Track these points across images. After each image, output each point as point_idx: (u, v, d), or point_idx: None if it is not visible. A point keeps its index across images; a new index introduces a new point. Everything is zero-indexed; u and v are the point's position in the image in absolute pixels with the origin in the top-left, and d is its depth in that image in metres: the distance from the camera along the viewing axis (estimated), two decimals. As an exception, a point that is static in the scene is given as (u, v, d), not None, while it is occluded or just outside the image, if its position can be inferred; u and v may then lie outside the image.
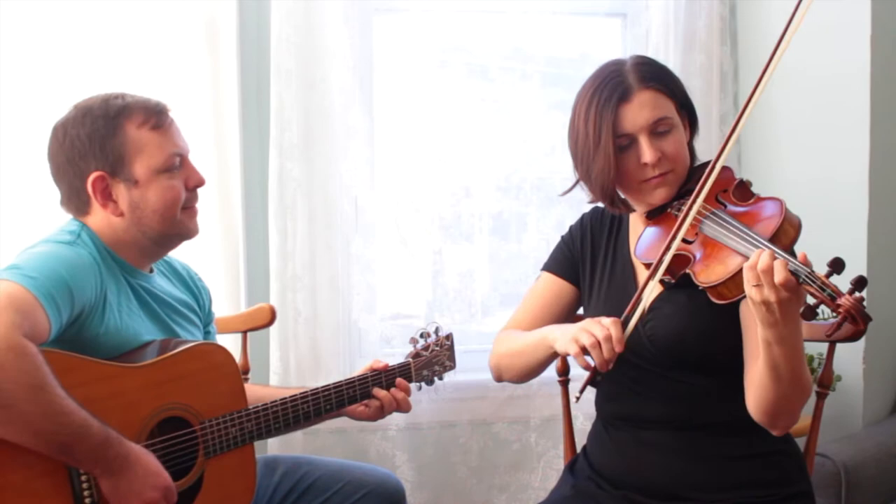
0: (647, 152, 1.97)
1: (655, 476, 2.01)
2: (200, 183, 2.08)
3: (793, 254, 1.80)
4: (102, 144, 1.94)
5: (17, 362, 1.61)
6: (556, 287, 2.23)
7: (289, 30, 2.97)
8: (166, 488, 1.82)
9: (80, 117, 1.96)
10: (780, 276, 1.61)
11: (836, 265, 1.60)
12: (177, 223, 2.03)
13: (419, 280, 3.26)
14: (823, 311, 2.69)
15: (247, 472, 2.06)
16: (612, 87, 1.99)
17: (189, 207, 2.06)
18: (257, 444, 2.11)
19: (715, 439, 1.98)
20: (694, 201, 1.90)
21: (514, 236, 3.29)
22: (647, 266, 1.97)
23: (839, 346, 2.25)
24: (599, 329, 1.86)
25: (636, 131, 1.98)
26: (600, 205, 2.22)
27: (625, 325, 1.89)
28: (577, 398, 1.95)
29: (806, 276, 1.61)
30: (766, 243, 1.72)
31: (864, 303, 1.58)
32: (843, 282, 1.60)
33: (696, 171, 2.06)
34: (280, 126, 2.98)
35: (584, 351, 1.87)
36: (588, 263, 2.19)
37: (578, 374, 2.82)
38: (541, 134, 3.21)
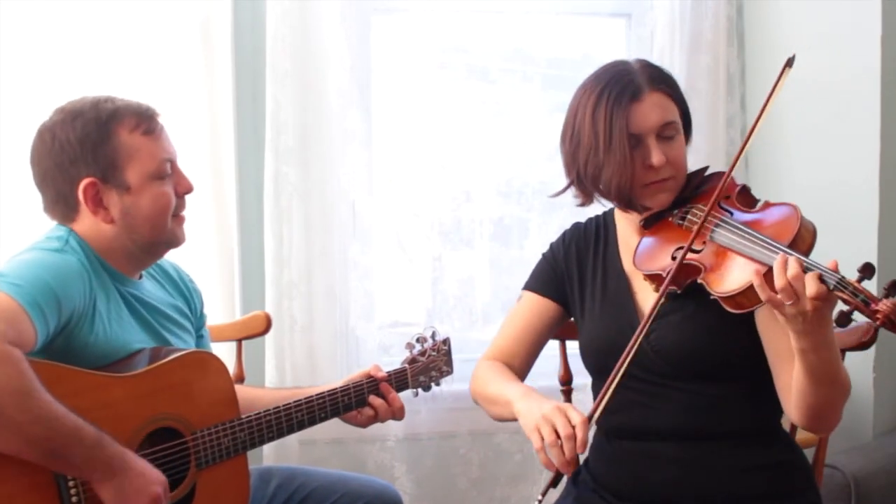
0: (655, 154, 1.91)
1: (661, 488, 1.96)
2: (189, 189, 2.06)
3: None
4: (94, 150, 1.91)
5: (1, 368, 1.59)
6: (539, 306, 2.17)
7: (284, 30, 2.93)
8: (163, 482, 1.81)
9: (69, 121, 1.92)
10: (811, 287, 1.58)
11: (867, 270, 1.58)
12: (167, 231, 2.01)
13: (418, 287, 3.23)
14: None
15: (240, 483, 2.04)
16: (622, 85, 1.93)
17: (178, 215, 2.04)
18: (251, 455, 2.08)
19: (724, 450, 1.93)
20: (710, 210, 1.86)
21: (516, 242, 3.26)
22: (650, 277, 1.92)
23: (849, 354, 2.19)
24: (563, 426, 1.75)
25: (645, 132, 1.92)
26: (581, 221, 2.20)
27: (590, 421, 1.79)
28: (539, 502, 1.82)
29: (837, 283, 1.58)
30: (786, 249, 1.68)
31: None
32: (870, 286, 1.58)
33: (691, 179, 2.03)
34: (276, 129, 2.95)
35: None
36: (576, 280, 2.13)
37: (581, 384, 2.79)
38: (542, 137, 3.17)
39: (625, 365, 1.83)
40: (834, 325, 1.64)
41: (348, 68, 3.01)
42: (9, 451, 1.64)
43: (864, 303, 1.55)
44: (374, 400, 2.19)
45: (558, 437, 1.74)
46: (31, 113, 2.74)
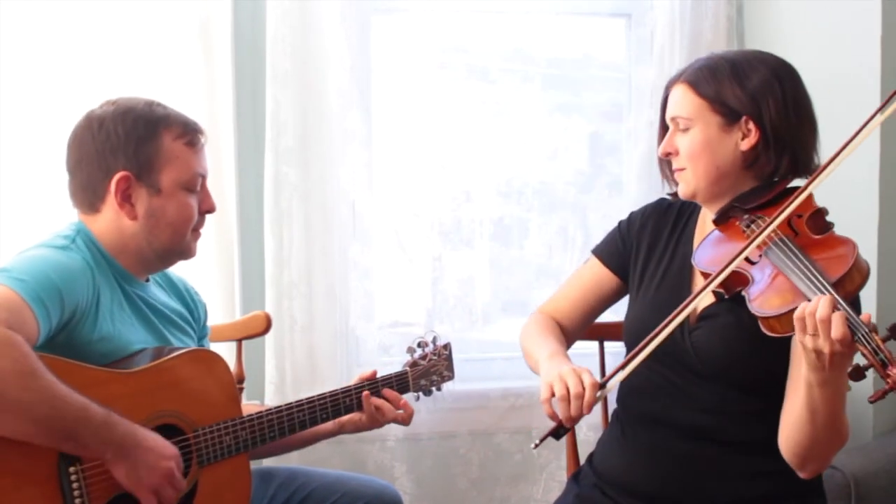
0: (663, 144, 2.04)
1: (668, 484, 1.97)
2: (212, 209, 2.12)
3: (855, 303, 1.75)
4: (137, 146, 1.97)
5: (3, 350, 1.61)
6: (599, 274, 2.19)
7: (284, 30, 2.92)
8: (175, 455, 1.85)
9: (120, 113, 1.98)
10: (837, 331, 1.57)
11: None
12: (184, 241, 2.06)
13: (418, 287, 3.21)
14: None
15: (241, 482, 2.05)
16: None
17: (196, 230, 2.09)
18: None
19: (735, 456, 1.94)
20: (768, 225, 1.82)
21: (516, 242, 3.26)
22: (704, 275, 1.90)
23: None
24: (574, 384, 1.81)
25: (669, 121, 2.04)
26: (668, 197, 2.19)
27: (602, 387, 1.83)
28: (535, 446, 1.87)
29: (862, 336, 1.57)
30: (829, 289, 1.65)
31: None
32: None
33: (765, 187, 1.98)
34: (276, 129, 2.94)
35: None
36: (642, 254, 2.13)
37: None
38: (543, 137, 3.18)
39: (651, 346, 1.84)
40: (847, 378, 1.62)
41: (348, 68, 3.00)
42: (18, 434, 1.66)
43: (882, 363, 1.54)
44: (375, 400, 2.20)
45: (569, 394, 1.80)
46: (32, 113, 2.77)
